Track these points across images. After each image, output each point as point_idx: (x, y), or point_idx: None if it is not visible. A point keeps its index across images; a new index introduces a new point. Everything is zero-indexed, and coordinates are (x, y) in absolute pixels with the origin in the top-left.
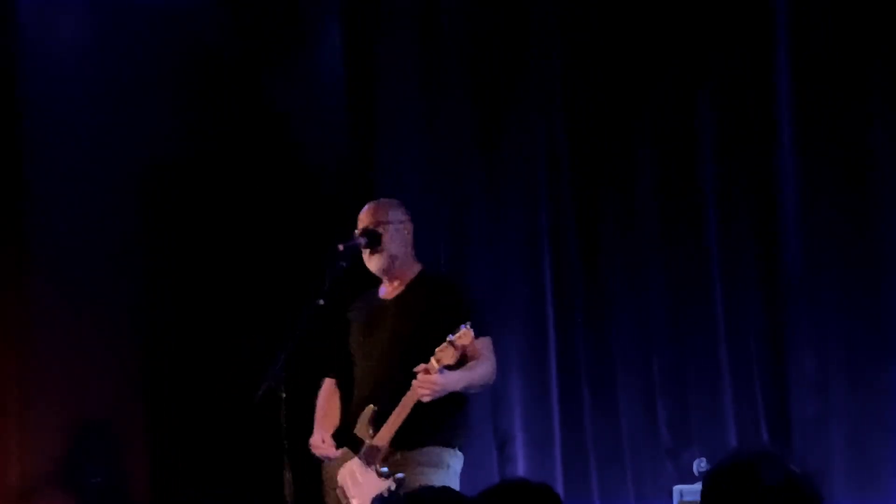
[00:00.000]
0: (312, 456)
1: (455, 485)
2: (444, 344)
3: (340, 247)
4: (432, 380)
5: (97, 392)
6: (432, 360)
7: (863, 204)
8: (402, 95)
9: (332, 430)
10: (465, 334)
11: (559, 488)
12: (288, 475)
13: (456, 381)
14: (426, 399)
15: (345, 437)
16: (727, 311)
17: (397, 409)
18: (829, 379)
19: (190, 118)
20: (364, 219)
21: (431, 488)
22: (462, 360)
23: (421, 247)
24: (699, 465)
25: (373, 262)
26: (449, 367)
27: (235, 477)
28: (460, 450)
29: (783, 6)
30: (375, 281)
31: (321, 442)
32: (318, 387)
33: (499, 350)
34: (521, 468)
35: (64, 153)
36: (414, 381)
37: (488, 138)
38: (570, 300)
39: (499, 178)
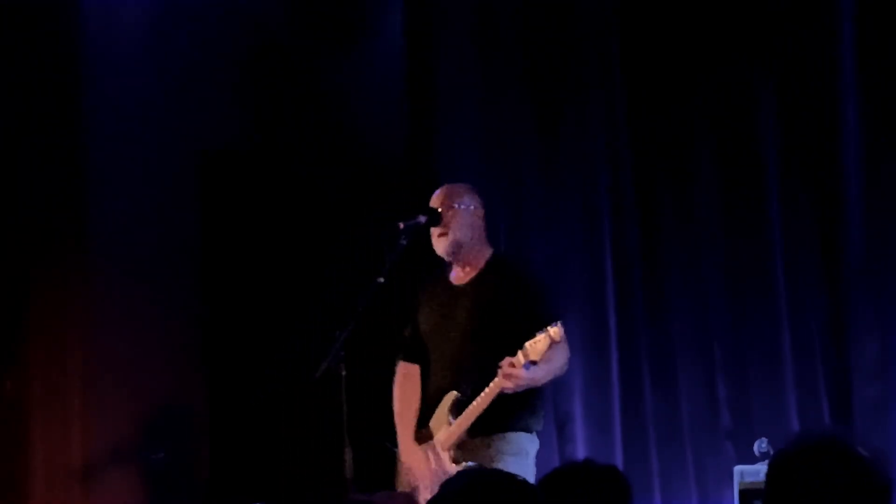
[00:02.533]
0: (375, 435)
1: (532, 469)
2: (538, 338)
3: (401, 225)
4: (518, 374)
5: (160, 371)
6: (519, 354)
7: None
8: (461, 78)
9: (414, 425)
10: (556, 332)
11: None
12: (348, 454)
13: (540, 376)
14: (509, 391)
15: (422, 420)
16: (789, 295)
17: (479, 399)
18: (891, 363)
19: (250, 102)
20: (434, 201)
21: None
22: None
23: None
24: (760, 445)
25: (439, 245)
26: (533, 362)
27: (296, 456)
28: (537, 433)
29: None
30: (440, 260)
31: (407, 455)
32: (380, 366)
33: None
34: (580, 449)
35: (125, 138)
36: (499, 373)
37: (547, 120)
38: (631, 282)
39: (558, 160)
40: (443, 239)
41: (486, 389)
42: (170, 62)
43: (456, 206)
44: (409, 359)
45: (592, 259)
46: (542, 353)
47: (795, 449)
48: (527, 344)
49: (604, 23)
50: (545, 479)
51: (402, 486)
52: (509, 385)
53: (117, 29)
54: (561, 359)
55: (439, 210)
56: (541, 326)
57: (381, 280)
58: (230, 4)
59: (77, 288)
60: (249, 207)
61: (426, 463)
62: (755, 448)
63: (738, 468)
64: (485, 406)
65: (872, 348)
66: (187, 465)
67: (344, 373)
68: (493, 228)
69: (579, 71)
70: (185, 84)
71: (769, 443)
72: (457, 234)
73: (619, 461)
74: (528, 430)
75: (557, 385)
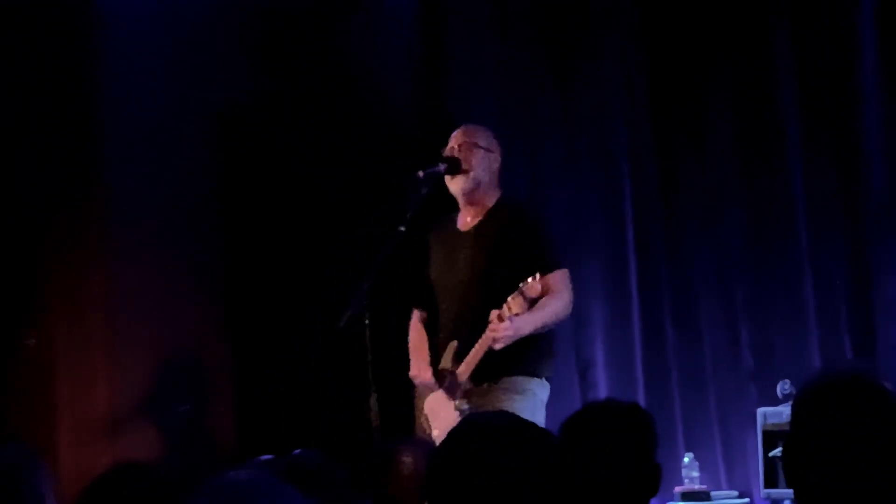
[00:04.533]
0: (399, 382)
1: (541, 412)
2: (515, 293)
3: (420, 173)
4: (503, 327)
5: (183, 324)
6: (504, 307)
7: None
8: (475, 24)
9: (426, 361)
10: (532, 286)
11: None
12: (374, 400)
13: (529, 324)
14: (498, 346)
15: (434, 367)
16: (810, 235)
17: (474, 349)
18: None
19: (263, 60)
20: (456, 138)
21: (495, 413)
22: (536, 298)
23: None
24: (783, 387)
25: (455, 184)
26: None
27: (321, 405)
28: (547, 379)
29: None
30: (455, 208)
31: (419, 371)
32: (401, 313)
33: (579, 276)
34: (602, 393)
35: (141, 97)
36: (487, 330)
37: (564, 67)
38: (651, 225)
39: (575, 106)
40: (460, 177)
41: (480, 340)
42: (183, 23)
43: (477, 143)
44: (420, 306)
45: (612, 203)
46: (521, 307)
47: (819, 386)
48: (509, 298)
49: None
50: (568, 421)
51: (420, 431)
52: (497, 339)
53: None
54: (556, 305)
55: (458, 150)
56: (543, 271)
57: (402, 229)
58: None
59: (97, 243)
60: (269, 161)
61: (436, 408)
62: (778, 389)
63: (761, 410)
64: (480, 355)
65: (894, 286)
66: (213, 417)
67: (367, 322)
68: (511, 172)
69: (598, 18)
70: (200, 43)
71: (792, 384)
72: (477, 172)
73: (641, 404)
74: (534, 374)
75: (578, 330)
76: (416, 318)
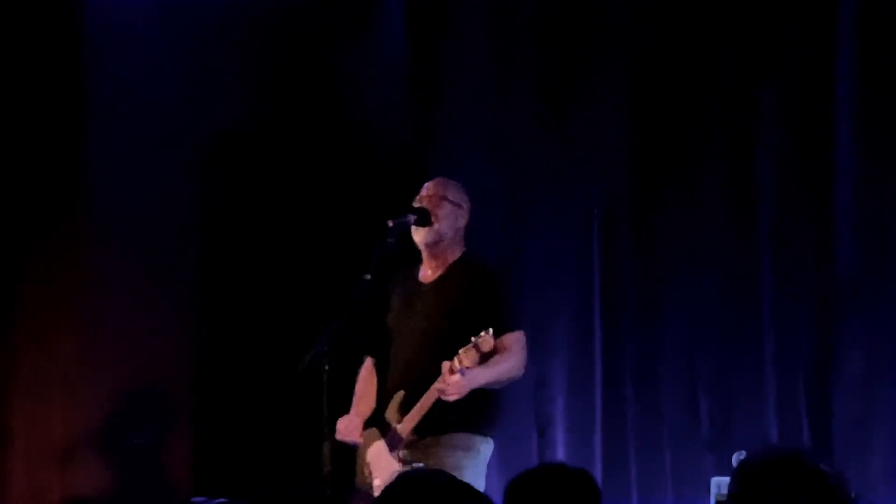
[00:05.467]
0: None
1: (482, 470)
2: (468, 346)
3: (390, 223)
4: (453, 380)
5: (147, 358)
6: (455, 359)
7: None
8: (466, 71)
9: (366, 414)
10: (485, 340)
11: (598, 475)
12: (327, 447)
13: (479, 379)
14: (450, 398)
15: (378, 417)
16: (775, 309)
17: (421, 401)
18: (874, 381)
19: (252, 88)
20: (427, 189)
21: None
22: (490, 354)
23: (475, 225)
24: (738, 457)
25: (419, 235)
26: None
27: (277, 448)
28: (491, 437)
29: (849, 6)
30: (420, 259)
31: (345, 426)
32: (360, 362)
33: (544, 335)
34: (560, 453)
35: (128, 118)
36: (436, 382)
37: (550, 120)
38: (620, 289)
39: (557, 161)
40: (426, 229)
41: (427, 392)
42: (174, 43)
43: (447, 197)
44: (373, 353)
45: (583, 263)
46: (473, 360)
47: (760, 461)
48: (460, 351)
49: (614, 26)
50: (515, 480)
51: (360, 480)
52: (446, 392)
53: (124, 7)
54: (509, 364)
55: (427, 201)
56: (499, 331)
57: (368, 277)
58: None
59: (68, 271)
60: (248, 193)
61: (378, 458)
62: (733, 460)
63: (715, 479)
64: (426, 408)
65: (855, 365)
66: (169, 454)
67: (327, 367)
68: (488, 224)
69: (587, 72)
70: (191, 66)
71: (748, 455)
72: (441, 226)
73: (598, 467)
74: (479, 431)
75: (540, 389)
76: (366, 364)
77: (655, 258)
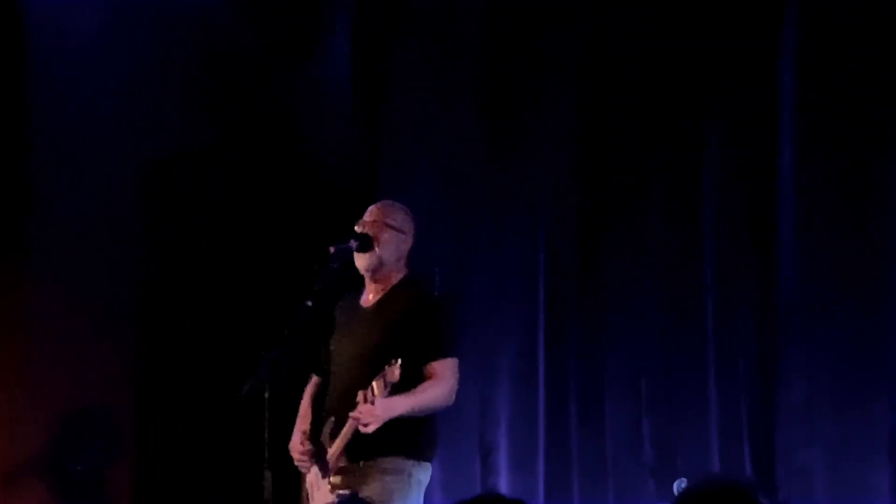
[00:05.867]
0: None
1: (415, 495)
2: (378, 376)
3: (332, 249)
4: (366, 409)
5: (87, 384)
6: (369, 388)
7: (860, 236)
8: (411, 99)
9: (305, 433)
10: (391, 372)
11: (540, 501)
12: (268, 476)
13: (398, 408)
14: (368, 429)
15: (315, 441)
16: (718, 335)
17: (344, 428)
18: (816, 407)
19: (195, 117)
20: (370, 213)
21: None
22: (396, 384)
23: (420, 250)
24: (679, 485)
25: (361, 260)
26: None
27: (218, 474)
28: (426, 461)
29: (790, 41)
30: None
31: (299, 444)
32: (303, 389)
33: (489, 360)
34: (503, 479)
35: (69, 146)
36: (352, 412)
37: (496, 146)
38: (564, 314)
39: (503, 187)
40: (366, 255)
41: (348, 422)
42: (118, 67)
43: (389, 223)
44: (317, 373)
45: (527, 288)
46: (380, 390)
47: (699, 492)
48: (373, 381)
49: (560, 60)
50: None
51: None
52: (362, 422)
53: (66, 31)
54: (435, 392)
55: (370, 227)
56: (429, 357)
57: (310, 303)
58: (179, 15)
59: (8, 298)
60: (189, 221)
61: (314, 484)
62: (675, 487)
63: None
64: (348, 436)
65: (798, 391)
66: (110, 479)
67: (267, 394)
68: (433, 248)
69: (532, 101)
70: (132, 95)
71: (689, 483)
72: (383, 252)
73: (540, 494)
74: (411, 455)
75: (484, 414)
76: (310, 384)
77: (600, 284)
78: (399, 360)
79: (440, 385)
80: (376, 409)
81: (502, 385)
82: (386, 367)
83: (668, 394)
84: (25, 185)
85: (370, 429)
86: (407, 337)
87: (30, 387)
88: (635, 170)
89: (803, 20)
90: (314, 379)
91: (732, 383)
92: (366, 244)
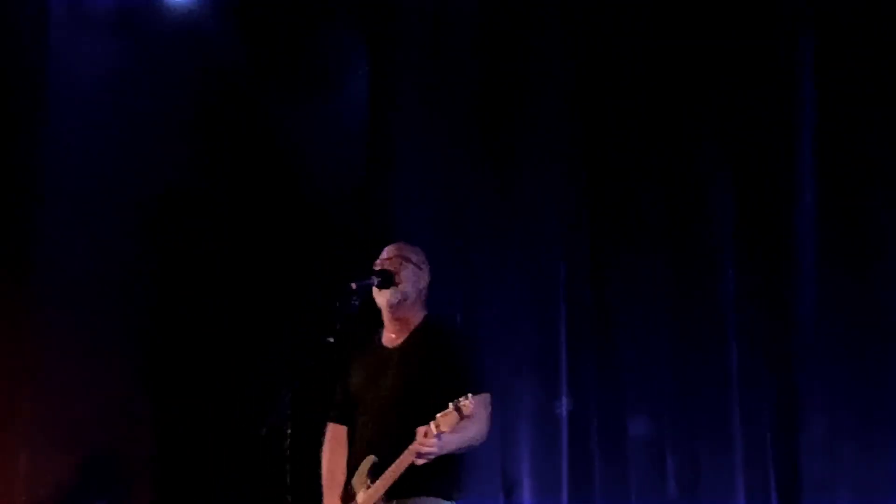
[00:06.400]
0: (317, 494)
1: None
2: (447, 410)
3: (353, 285)
4: (429, 444)
5: (108, 421)
6: (431, 424)
7: (878, 272)
8: (419, 137)
9: (340, 486)
10: (466, 405)
11: None
12: None
13: (451, 445)
14: (420, 462)
15: (346, 480)
16: (740, 371)
17: (393, 466)
18: (840, 443)
19: (206, 150)
20: (388, 251)
21: None
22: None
23: (434, 287)
24: None
25: (382, 297)
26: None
27: None
28: (456, 500)
29: (808, 52)
30: (378, 323)
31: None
32: (323, 425)
33: (509, 395)
34: None
35: (82, 175)
36: (411, 445)
37: (505, 184)
38: (584, 349)
39: (514, 222)
40: (390, 290)
41: (400, 457)
42: (129, 105)
43: (409, 259)
44: (339, 420)
45: (546, 323)
46: (451, 425)
47: None
48: (438, 415)
49: (564, 91)
50: None
51: None
52: (420, 455)
53: (80, 70)
54: (476, 429)
55: (389, 262)
56: (465, 394)
57: (331, 340)
58: (193, 52)
59: (25, 335)
60: (201, 254)
61: None
62: None
63: None
64: (399, 472)
65: (821, 426)
66: None
67: (289, 431)
68: (447, 285)
69: (539, 136)
70: (144, 128)
71: None
72: (405, 287)
73: None
74: (443, 495)
75: (506, 449)
76: (330, 434)
77: (619, 321)
78: (470, 395)
79: (480, 422)
80: (436, 443)
81: (524, 421)
82: (458, 401)
83: (690, 430)
84: (35, 214)
85: (422, 460)
86: (441, 377)
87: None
88: (648, 200)
89: (819, 27)
90: (331, 427)
91: (755, 419)
92: (387, 280)
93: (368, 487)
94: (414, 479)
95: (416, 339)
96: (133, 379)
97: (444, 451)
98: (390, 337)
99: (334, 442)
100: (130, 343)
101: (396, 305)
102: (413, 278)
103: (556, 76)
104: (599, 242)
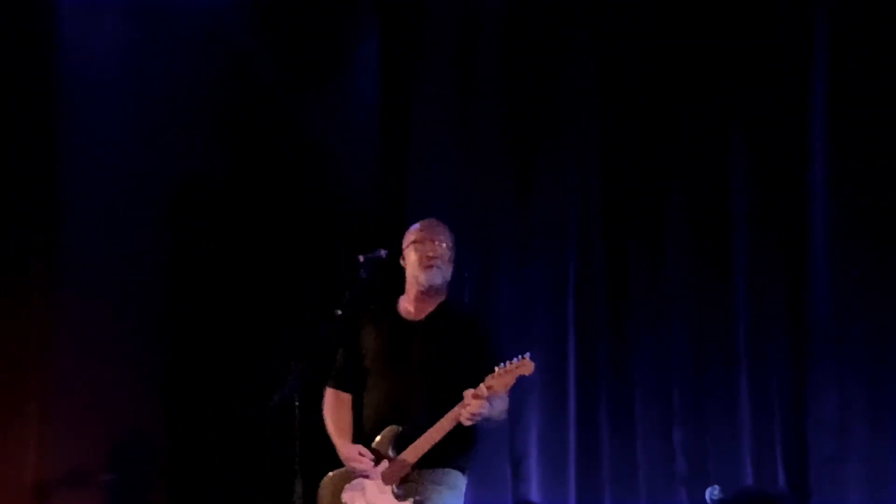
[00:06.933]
0: (326, 467)
1: None
2: (499, 371)
3: (361, 258)
4: (480, 405)
5: (119, 397)
6: (482, 385)
7: (890, 254)
8: (436, 122)
9: (350, 435)
10: (526, 364)
11: None
12: (299, 484)
13: (495, 413)
14: (467, 423)
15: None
16: (750, 347)
17: (432, 431)
18: (849, 420)
19: (223, 136)
20: (445, 237)
21: None
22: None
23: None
24: (712, 492)
25: (436, 275)
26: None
27: (249, 484)
28: (468, 474)
29: (822, 49)
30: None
31: (359, 454)
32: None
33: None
34: (534, 488)
35: (97, 166)
36: (461, 405)
37: (521, 168)
38: (593, 326)
39: (529, 207)
40: (436, 270)
41: (441, 421)
42: (145, 91)
43: (451, 243)
44: (339, 386)
45: (557, 300)
46: (507, 385)
47: (738, 500)
48: (491, 375)
49: (584, 85)
50: None
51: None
52: (468, 416)
53: (93, 60)
54: (504, 404)
55: (446, 248)
56: (491, 369)
57: (339, 312)
58: (209, 37)
59: (39, 315)
60: (217, 239)
61: (365, 496)
62: (707, 495)
63: None
64: (437, 438)
65: (831, 404)
66: (142, 489)
67: (298, 403)
68: (461, 269)
69: (556, 122)
70: (160, 114)
71: (721, 490)
72: (449, 271)
73: (572, 501)
74: (461, 469)
75: (514, 424)
76: (332, 396)
77: (629, 298)
78: (528, 354)
79: (506, 400)
80: (485, 405)
81: (532, 395)
82: (514, 360)
83: (699, 404)
84: (54, 204)
85: (467, 423)
86: (469, 352)
87: (59, 405)
88: (662, 187)
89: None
90: (331, 392)
91: (764, 395)
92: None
93: (391, 458)
94: (441, 451)
95: (441, 315)
96: (146, 358)
97: (489, 417)
98: (408, 310)
99: (338, 405)
100: (144, 323)
101: (438, 287)
102: (451, 262)
103: (575, 73)
104: (612, 228)
